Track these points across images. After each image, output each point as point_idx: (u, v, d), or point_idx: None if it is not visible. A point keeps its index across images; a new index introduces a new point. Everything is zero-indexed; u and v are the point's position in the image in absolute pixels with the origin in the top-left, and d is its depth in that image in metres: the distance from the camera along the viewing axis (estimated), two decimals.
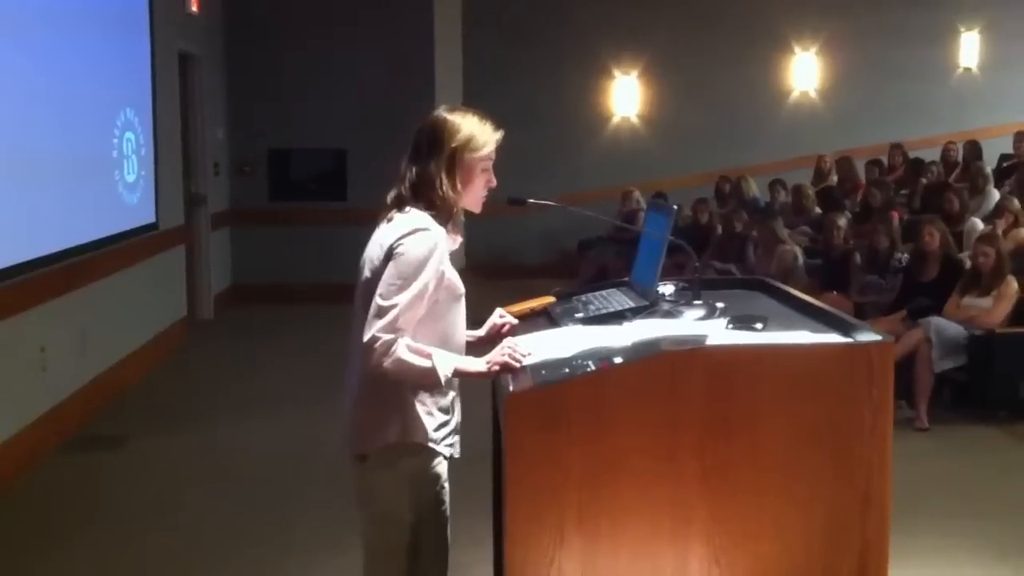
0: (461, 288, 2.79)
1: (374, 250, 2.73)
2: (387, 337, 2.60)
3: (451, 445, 2.82)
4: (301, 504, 5.18)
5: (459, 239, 2.81)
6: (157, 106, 8.07)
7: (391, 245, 2.67)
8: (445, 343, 2.73)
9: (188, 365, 8.13)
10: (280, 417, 6.65)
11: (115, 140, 7.33)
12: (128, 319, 7.50)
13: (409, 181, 2.75)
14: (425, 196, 2.73)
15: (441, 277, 2.70)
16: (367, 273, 2.73)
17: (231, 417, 6.67)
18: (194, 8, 9.37)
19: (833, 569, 2.48)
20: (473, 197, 2.81)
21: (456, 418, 2.84)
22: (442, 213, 2.73)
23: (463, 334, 2.84)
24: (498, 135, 2.79)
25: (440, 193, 2.72)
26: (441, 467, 2.80)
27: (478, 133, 2.75)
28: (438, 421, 2.76)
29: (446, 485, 2.84)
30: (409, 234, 2.66)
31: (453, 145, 2.72)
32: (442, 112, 2.78)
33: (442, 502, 2.83)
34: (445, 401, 2.79)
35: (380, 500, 2.77)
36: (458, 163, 2.73)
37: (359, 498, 2.81)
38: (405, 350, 2.61)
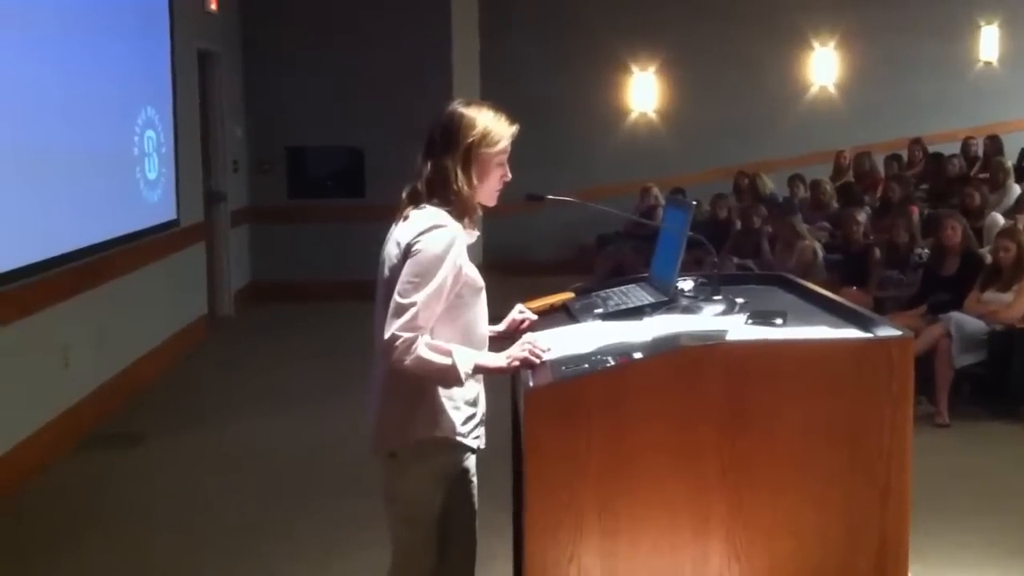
0: (480, 282, 2.79)
1: (392, 248, 2.74)
2: (407, 335, 2.60)
3: (477, 437, 2.84)
4: (317, 502, 5.20)
5: (476, 233, 2.81)
6: (177, 104, 8.12)
7: (408, 243, 2.67)
8: (467, 337, 2.74)
9: (207, 362, 8.17)
10: (297, 415, 6.67)
11: (136, 138, 7.38)
12: (148, 316, 7.54)
13: (425, 177, 2.75)
14: (440, 192, 2.73)
15: (459, 273, 2.70)
16: (386, 272, 2.74)
17: (249, 415, 6.70)
18: (213, 7, 9.41)
19: (852, 565, 2.47)
20: (488, 191, 2.80)
21: (482, 410, 2.86)
22: (458, 208, 2.73)
23: (485, 327, 2.85)
24: (513, 129, 2.78)
25: (455, 188, 2.72)
26: (470, 461, 2.82)
27: (493, 128, 2.74)
28: (465, 415, 2.78)
29: (474, 479, 2.85)
30: (426, 231, 2.67)
31: (469, 141, 2.72)
32: (457, 106, 2.77)
33: (471, 496, 2.85)
34: (471, 395, 2.80)
35: (409, 496, 2.78)
36: (474, 159, 2.73)
37: (387, 494, 2.83)
38: (425, 348, 2.62)
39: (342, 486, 5.32)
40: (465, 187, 2.73)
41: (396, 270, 2.68)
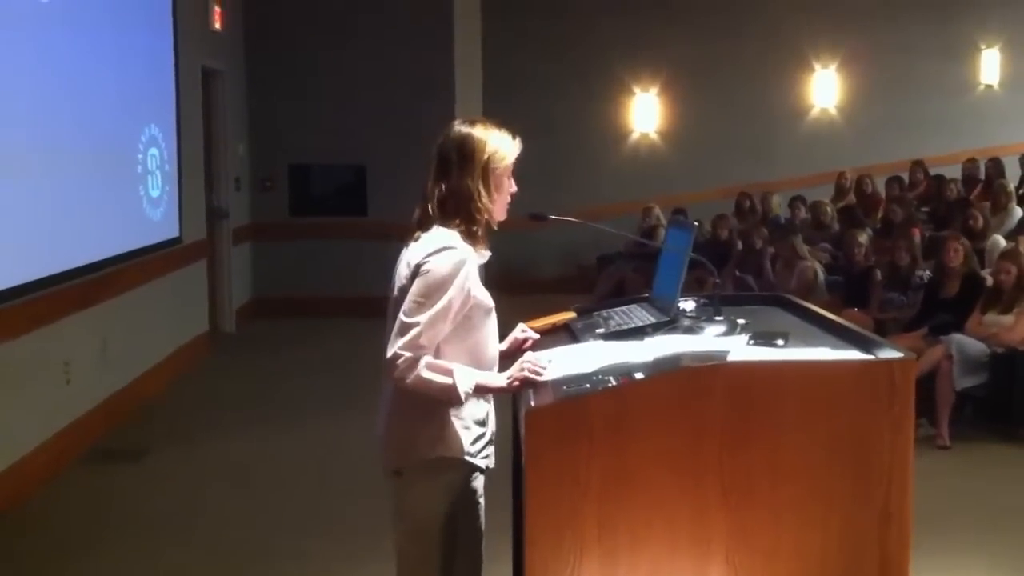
0: (490, 303, 2.81)
1: (402, 269, 2.77)
2: (408, 355, 2.62)
3: (487, 457, 2.85)
4: (321, 516, 5.20)
5: (487, 253, 2.84)
6: (181, 122, 8.14)
7: (418, 263, 2.70)
8: (476, 358, 2.76)
9: (209, 378, 8.17)
10: (300, 430, 6.67)
11: (140, 156, 7.40)
12: (150, 332, 7.55)
13: (438, 198, 2.77)
14: (462, 211, 2.75)
15: (467, 295, 2.72)
16: (395, 291, 2.76)
17: (252, 430, 6.70)
18: (217, 25, 9.45)
19: None
20: (500, 206, 2.85)
21: (491, 429, 2.87)
22: (479, 225, 2.77)
23: (495, 348, 2.86)
24: (518, 142, 2.84)
25: (479, 205, 2.75)
26: (477, 481, 2.84)
27: (502, 144, 2.80)
28: (475, 434, 2.79)
29: (481, 500, 2.87)
30: (435, 252, 2.69)
31: (485, 158, 2.76)
32: (463, 127, 2.81)
33: (477, 516, 2.86)
34: (480, 414, 2.81)
35: (416, 513, 2.79)
36: (490, 175, 2.78)
37: (395, 511, 2.83)
38: (426, 368, 2.64)
39: (346, 499, 5.32)
40: (488, 203, 2.77)
41: (405, 290, 2.71)
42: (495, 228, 2.84)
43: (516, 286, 10.71)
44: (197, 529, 5.08)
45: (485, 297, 2.79)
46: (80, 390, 6.24)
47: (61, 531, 5.09)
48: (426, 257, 2.69)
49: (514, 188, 2.86)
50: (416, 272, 2.69)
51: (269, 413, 7.09)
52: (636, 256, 10.29)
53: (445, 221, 2.76)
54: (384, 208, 10.17)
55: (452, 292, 2.67)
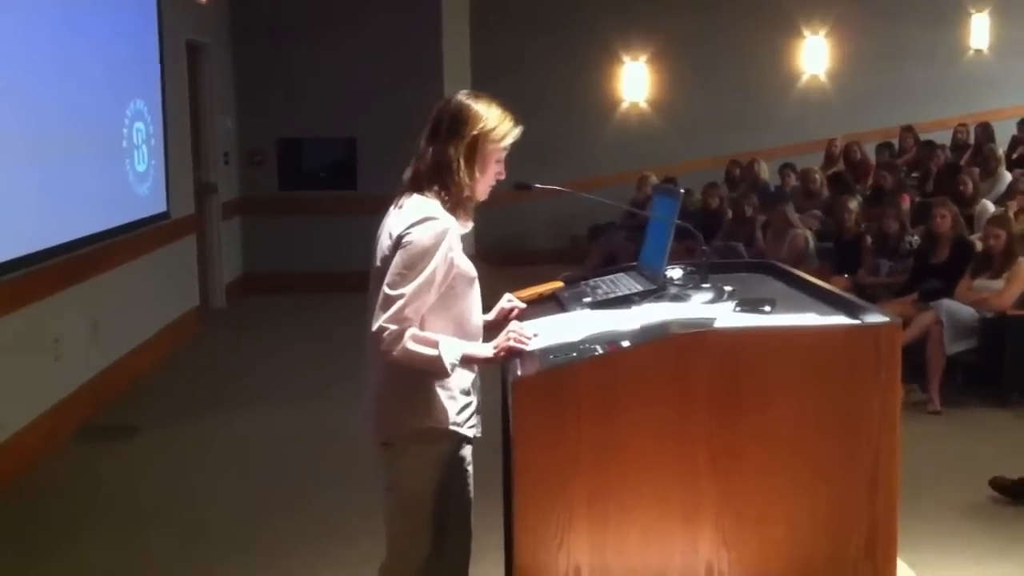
0: (473, 272, 2.81)
1: (384, 239, 2.76)
2: (394, 327, 2.62)
3: (473, 426, 2.86)
4: (314, 492, 5.21)
5: (469, 224, 2.82)
6: (166, 96, 8.09)
7: (399, 234, 2.69)
8: (461, 327, 2.76)
9: (200, 354, 8.16)
10: (292, 406, 6.67)
11: (125, 131, 7.35)
12: (140, 309, 7.53)
13: (426, 162, 2.76)
14: (440, 179, 2.74)
15: (450, 265, 2.71)
16: (378, 262, 2.76)
17: (243, 406, 6.69)
18: None
19: (841, 551, 2.49)
20: (483, 186, 2.82)
21: (477, 398, 2.87)
22: (455, 197, 2.74)
23: (479, 317, 2.86)
24: (517, 130, 2.82)
25: (456, 178, 2.74)
26: (465, 450, 2.84)
27: (500, 124, 2.78)
28: (460, 404, 2.79)
29: (470, 468, 2.87)
30: (417, 223, 2.68)
31: (475, 132, 2.74)
32: (466, 98, 2.80)
33: (466, 485, 2.87)
34: (466, 383, 2.82)
35: (405, 485, 2.80)
36: (478, 149, 2.75)
37: (385, 483, 2.84)
38: (411, 340, 2.63)
39: (338, 475, 5.33)
40: (466, 177, 2.75)
41: (387, 260, 2.70)
42: (470, 203, 2.80)
43: (509, 258, 10.70)
44: (188, 506, 5.08)
45: (468, 267, 2.78)
46: (70, 367, 6.23)
47: (52, 509, 5.09)
48: (408, 228, 2.68)
49: (503, 175, 2.84)
50: (398, 243, 2.68)
51: (260, 389, 7.09)
52: (628, 227, 10.27)
53: (427, 186, 2.74)
54: (375, 182, 10.12)
55: (435, 262, 2.66)
